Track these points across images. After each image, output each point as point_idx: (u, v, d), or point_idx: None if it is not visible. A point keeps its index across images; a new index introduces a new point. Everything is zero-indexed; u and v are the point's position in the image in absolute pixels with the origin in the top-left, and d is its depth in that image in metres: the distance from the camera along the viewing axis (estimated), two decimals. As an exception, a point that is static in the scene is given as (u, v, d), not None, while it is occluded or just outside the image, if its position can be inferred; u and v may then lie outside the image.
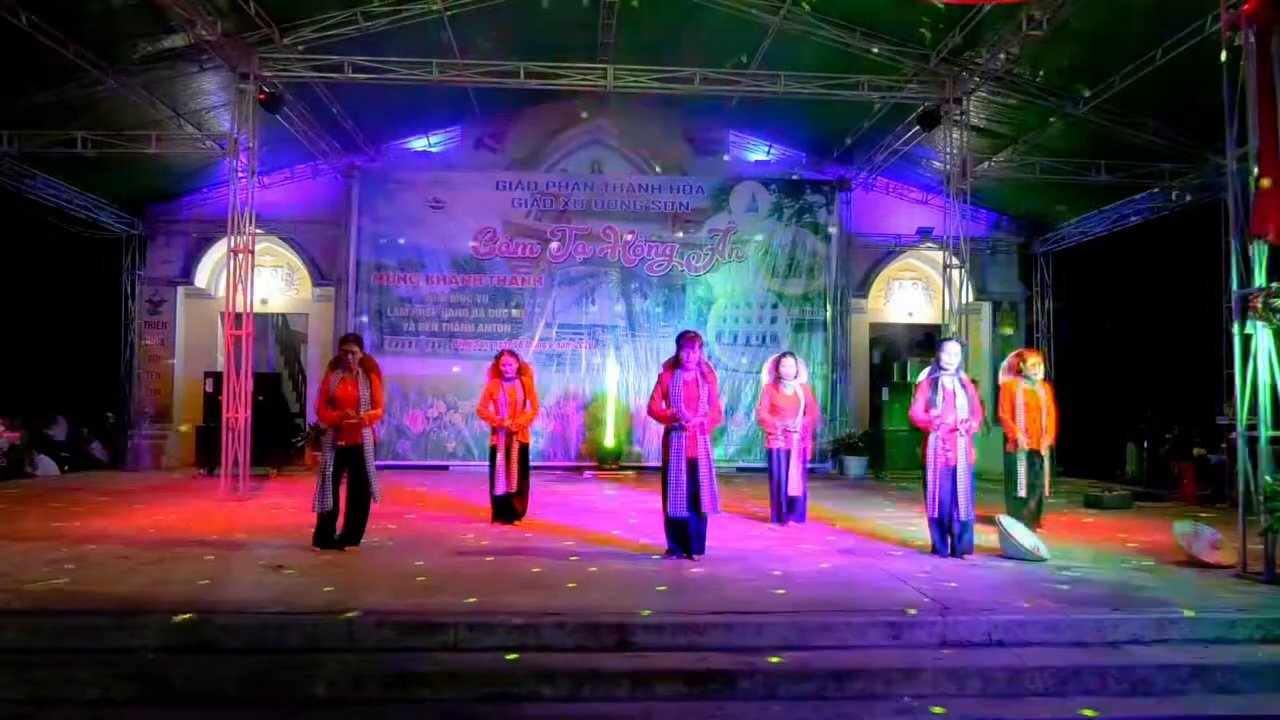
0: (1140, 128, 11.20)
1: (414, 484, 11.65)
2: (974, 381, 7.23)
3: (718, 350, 14.49)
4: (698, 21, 11.14)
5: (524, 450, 8.21)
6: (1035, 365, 8.15)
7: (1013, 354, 8.50)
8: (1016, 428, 7.99)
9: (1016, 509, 7.88)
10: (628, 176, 15.02)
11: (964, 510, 6.67)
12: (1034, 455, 8.00)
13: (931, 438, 6.76)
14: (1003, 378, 8.40)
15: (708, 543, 6.71)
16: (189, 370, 14.80)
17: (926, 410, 6.78)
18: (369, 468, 6.82)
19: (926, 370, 7.09)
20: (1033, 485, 7.97)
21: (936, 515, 6.78)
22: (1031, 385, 8.07)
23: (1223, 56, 6.47)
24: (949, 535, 6.77)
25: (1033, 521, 7.84)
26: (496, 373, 8.19)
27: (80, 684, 4.31)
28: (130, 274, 14.93)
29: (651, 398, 6.80)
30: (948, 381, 6.77)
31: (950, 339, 7.02)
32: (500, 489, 8.04)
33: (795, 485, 8.24)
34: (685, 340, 6.64)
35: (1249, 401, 6.24)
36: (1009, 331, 15.62)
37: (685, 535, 6.58)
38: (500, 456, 8.01)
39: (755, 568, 6.36)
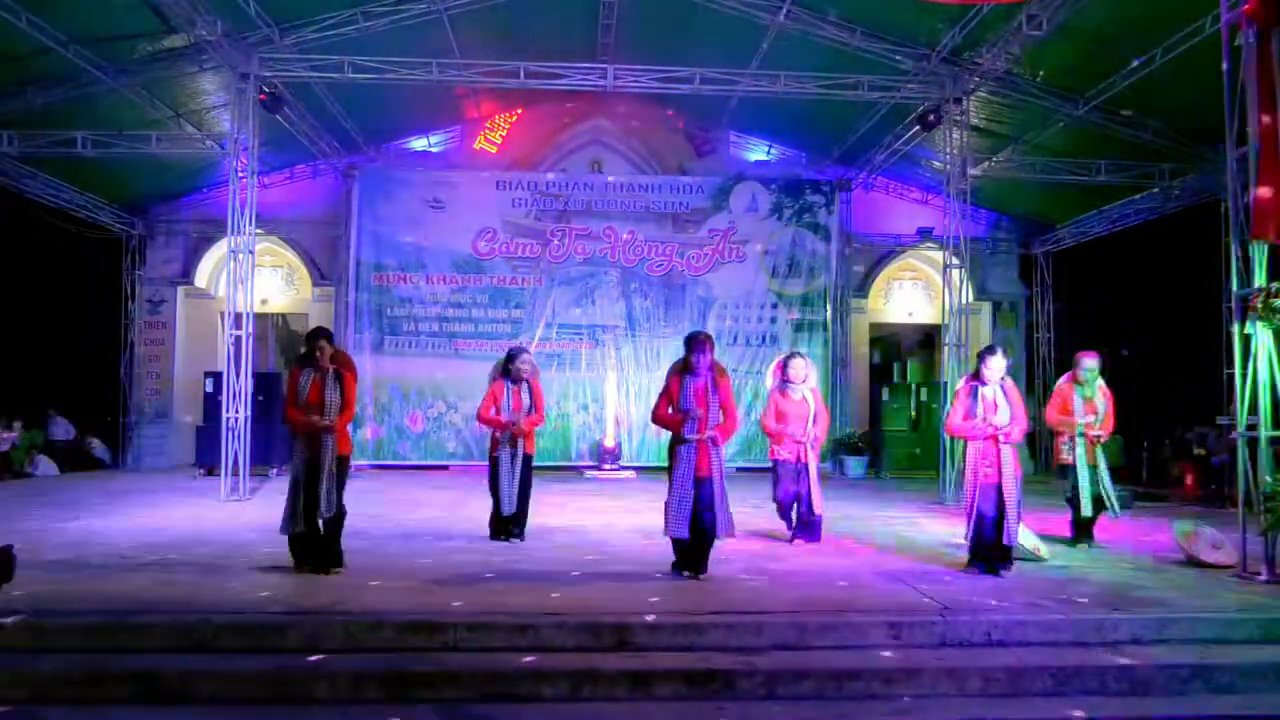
0: (1140, 128, 11.21)
1: (414, 484, 11.64)
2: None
3: (717, 351, 14.39)
4: (698, 21, 11.14)
5: (527, 461, 7.32)
6: (1090, 369, 7.42)
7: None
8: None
9: (1081, 525, 7.43)
10: (628, 176, 15.02)
11: (1007, 534, 6.06)
12: (1092, 468, 7.36)
13: (971, 451, 6.17)
14: (1059, 382, 7.82)
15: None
16: (189, 370, 14.80)
17: (966, 419, 6.19)
18: (330, 480, 5.95)
19: (964, 378, 6.58)
20: (1096, 498, 7.32)
21: (977, 539, 6.14)
22: (1089, 391, 7.41)
23: (1222, 57, 6.47)
24: (989, 559, 6.17)
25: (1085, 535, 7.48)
26: (505, 373, 7.32)
27: (80, 684, 4.31)
28: (130, 274, 14.93)
29: (657, 404, 6.15)
30: (987, 390, 6.19)
31: (994, 350, 6.29)
32: (505, 508, 7.21)
33: (818, 503, 7.34)
34: (696, 343, 5.99)
35: (1249, 401, 6.24)
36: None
37: (688, 555, 6.03)
38: (504, 469, 7.16)
39: (755, 568, 6.36)
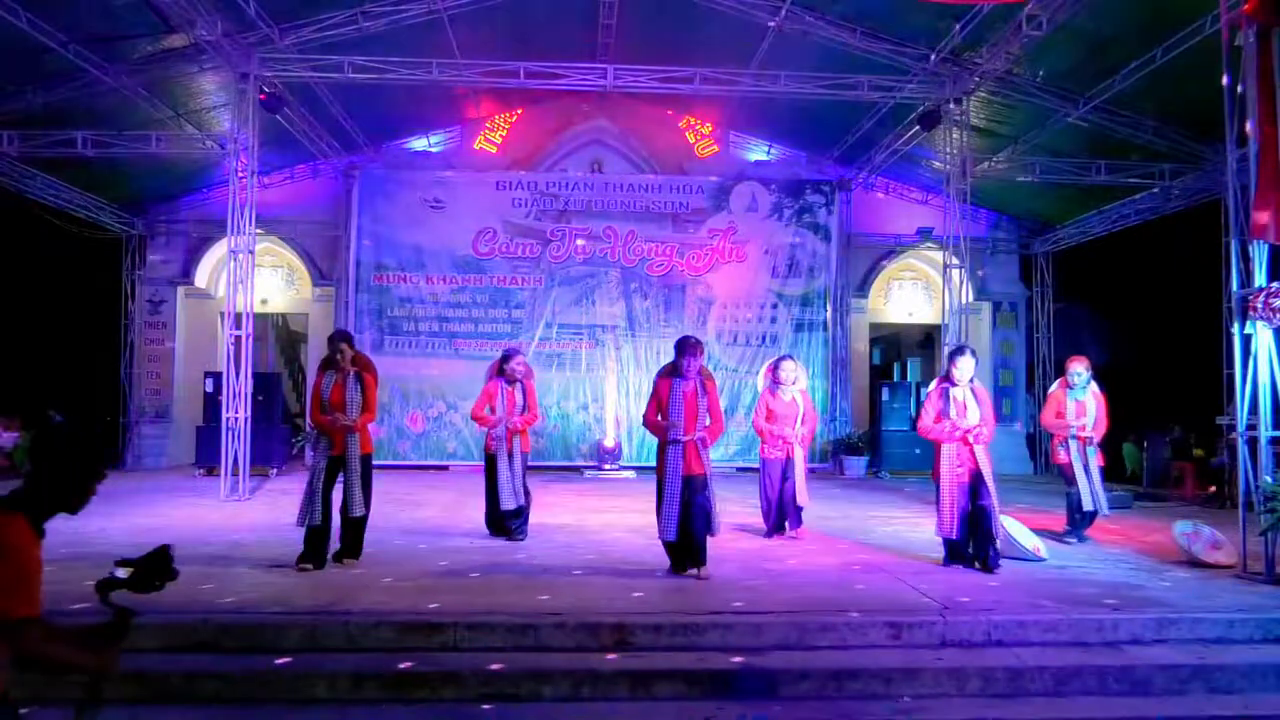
0: (1140, 128, 11.20)
1: (414, 484, 11.64)
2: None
3: (717, 351, 14.48)
4: (698, 21, 11.13)
5: (523, 459, 7.49)
6: (1078, 373, 7.64)
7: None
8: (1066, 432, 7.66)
9: (1078, 525, 7.65)
10: (628, 176, 15.01)
11: (994, 527, 6.25)
12: (1085, 466, 7.56)
13: (944, 451, 6.32)
14: (1052, 388, 8.13)
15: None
16: (189, 370, 14.79)
17: (938, 421, 6.35)
18: (354, 478, 6.26)
19: (936, 380, 6.76)
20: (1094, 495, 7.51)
21: (955, 536, 6.29)
22: (1078, 395, 7.61)
23: (1222, 57, 6.47)
24: (972, 555, 6.38)
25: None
26: (499, 374, 7.52)
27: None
28: (130, 274, 14.92)
29: (647, 409, 6.30)
30: (958, 392, 6.37)
31: (963, 350, 6.52)
32: (505, 504, 7.28)
33: (802, 495, 7.67)
34: (686, 348, 6.06)
35: (1249, 401, 6.24)
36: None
37: (683, 553, 6.09)
38: (502, 465, 7.29)
39: (754, 568, 6.36)
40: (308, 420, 6.93)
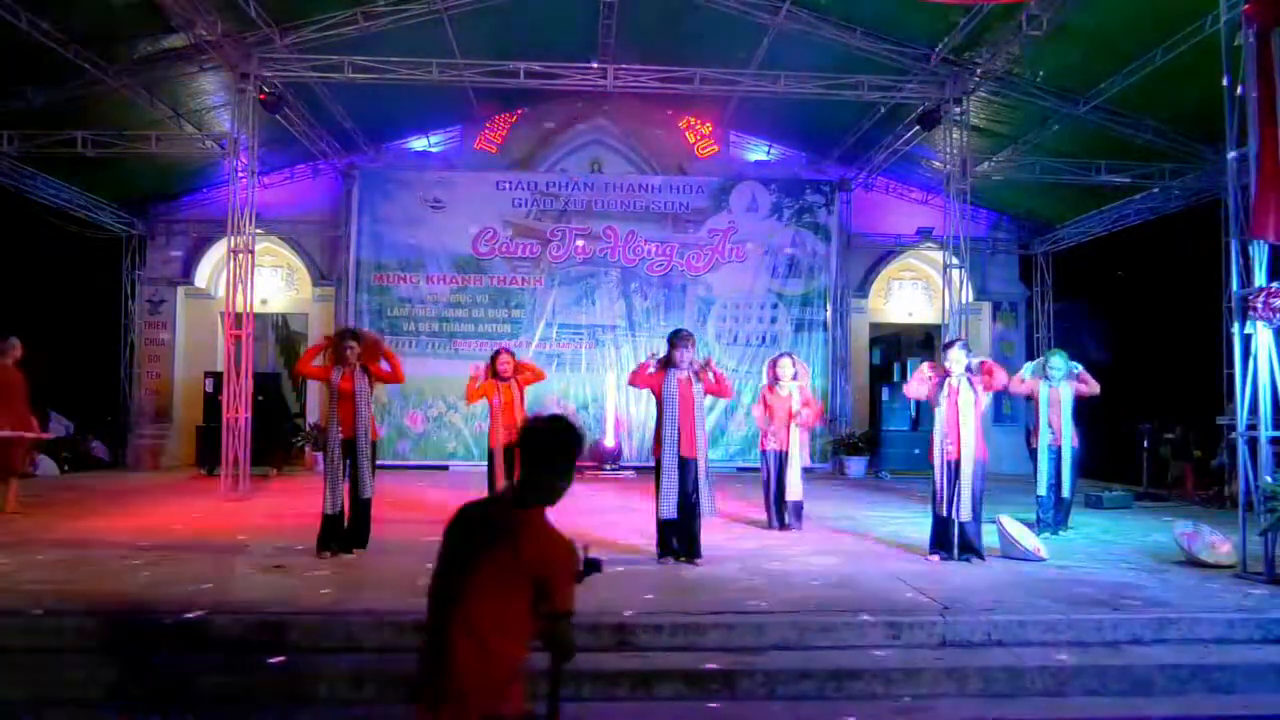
0: (1140, 128, 11.19)
1: (413, 484, 11.64)
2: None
3: (717, 351, 14.47)
4: (698, 21, 11.13)
5: None
6: (1055, 367, 8.06)
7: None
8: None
9: (1039, 507, 8.00)
10: (628, 176, 15.01)
11: (966, 509, 6.56)
12: (1055, 450, 7.97)
13: (936, 434, 6.70)
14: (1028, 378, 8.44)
15: (704, 544, 6.57)
16: (189, 370, 14.78)
17: (932, 394, 6.73)
18: (364, 460, 6.63)
19: (936, 365, 7.02)
20: (1053, 484, 7.95)
21: (943, 514, 6.66)
22: (1054, 384, 8.00)
23: (1222, 57, 6.47)
24: (952, 536, 6.65)
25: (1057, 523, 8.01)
26: (493, 372, 8.04)
27: (80, 684, 4.31)
28: (130, 274, 14.92)
29: (637, 370, 6.69)
30: (953, 380, 6.68)
31: (953, 343, 6.85)
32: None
33: (795, 490, 7.98)
34: (680, 340, 6.51)
35: (1249, 401, 6.24)
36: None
37: (678, 538, 6.43)
38: (499, 459, 7.72)
39: (754, 568, 6.36)
40: (313, 416, 7.12)
